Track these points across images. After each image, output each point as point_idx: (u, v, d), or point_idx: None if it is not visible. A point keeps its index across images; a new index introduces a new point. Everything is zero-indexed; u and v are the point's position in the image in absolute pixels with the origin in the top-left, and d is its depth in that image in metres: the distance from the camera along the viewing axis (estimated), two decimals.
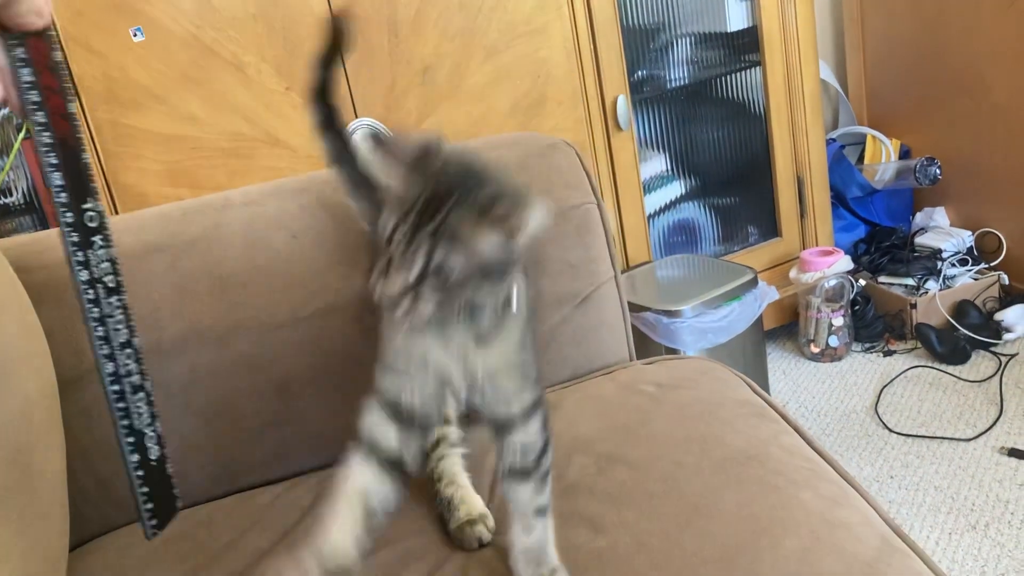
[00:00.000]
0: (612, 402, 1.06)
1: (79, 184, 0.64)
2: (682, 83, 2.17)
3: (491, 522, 0.86)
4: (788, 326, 2.35)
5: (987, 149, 2.27)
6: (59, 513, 0.84)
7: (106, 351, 0.67)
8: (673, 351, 1.80)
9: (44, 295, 0.97)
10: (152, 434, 0.71)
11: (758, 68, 2.18)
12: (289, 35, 1.70)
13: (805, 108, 2.20)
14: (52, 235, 1.11)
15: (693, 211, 2.26)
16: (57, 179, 0.63)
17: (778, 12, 2.11)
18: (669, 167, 2.20)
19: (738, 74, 2.22)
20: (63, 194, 0.63)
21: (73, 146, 0.63)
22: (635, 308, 1.83)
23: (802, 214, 2.30)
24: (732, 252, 2.28)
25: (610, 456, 0.94)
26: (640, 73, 2.09)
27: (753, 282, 1.92)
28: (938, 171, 2.32)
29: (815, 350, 2.24)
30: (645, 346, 1.80)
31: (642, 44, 2.08)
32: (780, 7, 2.10)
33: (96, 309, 0.66)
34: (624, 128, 1.97)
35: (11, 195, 1.76)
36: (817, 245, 2.30)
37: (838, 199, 2.49)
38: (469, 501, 0.88)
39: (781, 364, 2.27)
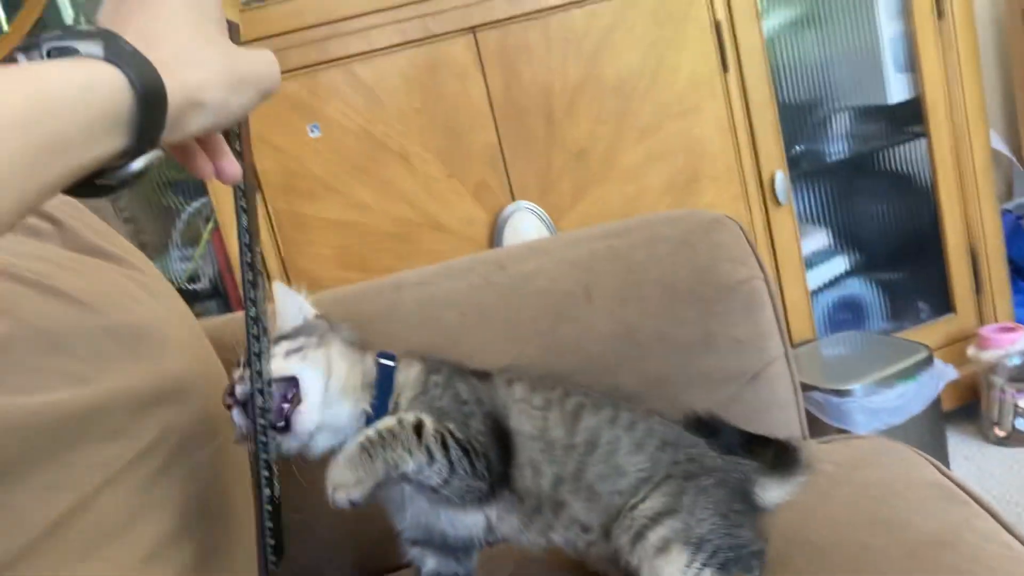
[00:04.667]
0: None
1: (253, 228, 0.70)
2: (842, 157, 2.12)
3: None
4: (968, 408, 2.20)
5: None
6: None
7: (259, 385, 0.71)
8: (843, 433, 1.72)
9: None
10: (269, 473, 0.74)
11: (923, 139, 2.11)
12: (450, 125, 1.79)
13: (976, 179, 2.10)
14: (240, 317, 1.19)
15: (858, 287, 2.18)
16: (244, 221, 0.69)
17: (943, 82, 2.04)
18: (831, 242, 2.14)
19: (901, 146, 2.15)
20: (246, 235, 0.69)
21: (252, 195, 0.70)
22: (802, 387, 1.76)
23: (977, 289, 2.18)
24: (902, 329, 2.17)
25: (788, 539, 0.90)
26: (798, 148, 2.07)
27: (928, 360, 1.82)
28: None
29: (1000, 434, 2.09)
30: (813, 428, 1.72)
31: (799, 119, 2.06)
32: (945, 76, 2.04)
33: (256, 344, 0.72)
34: (783, 203, 1.94)
35: (199, 281, 1.91)
36: (996, 321, 2.16)
37: (1017, 272, 2.34)
38: None
39: (963, 448, 2.12)
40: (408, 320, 1.12)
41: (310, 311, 0.85)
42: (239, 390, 0.74)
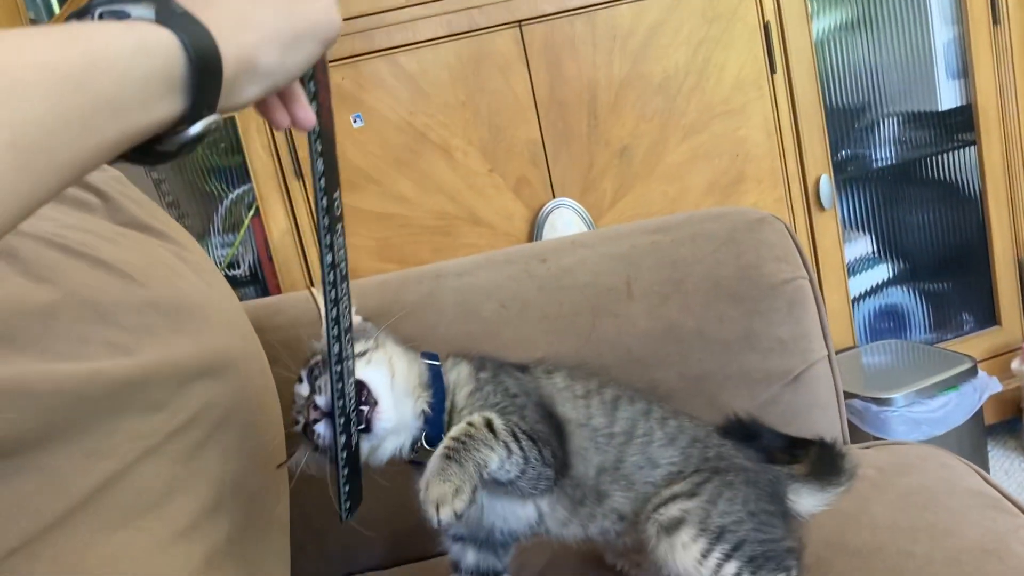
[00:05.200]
0: None
1: (332, 175, 0.67)
2: (889, 163, 2.09)
3: None
4: (1010, 422, 2.15)
5: None
6: (284, 559, 0.88)
7: (335, 332, 0.69)
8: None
9: (275, 354, 1.04)
10: (355, 419, 0.72)
11: (972, 147, 2.07)
12: (494, 119, 1.79)
13: None
14: (283, 300, 1.20)
15: (901, 296, 2.15)
16: (319, 166, 0.66)
17: (995, 89, 2.00)
18: (875, 249, 2.11)
19: (950, 154, 2.11)
20: (322, 179, 0.66)
21: (332, 140, 0.67)
22: None
23: None
24: (945, 340, 2.13)
25: (829, 543, 0.89)
26: (844, 152, 2.04)
27: (972, 371, 1.78)
28: None
29: None
30: (852, 437, 1.69)
31: (846, 123, 2.03)
32: (998, 84, 2.00)
33: (333, 291, 0.69)
34: (827, 208, 1.91)
35: (239, 268, 1.92)
36: None
37: None
38: None
39: (1003, 463, 2.07)
40: (447, 310, 1.11)
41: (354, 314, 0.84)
42: (321, 401, 0.73)
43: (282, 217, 1.79)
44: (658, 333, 1.11)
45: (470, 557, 0.85)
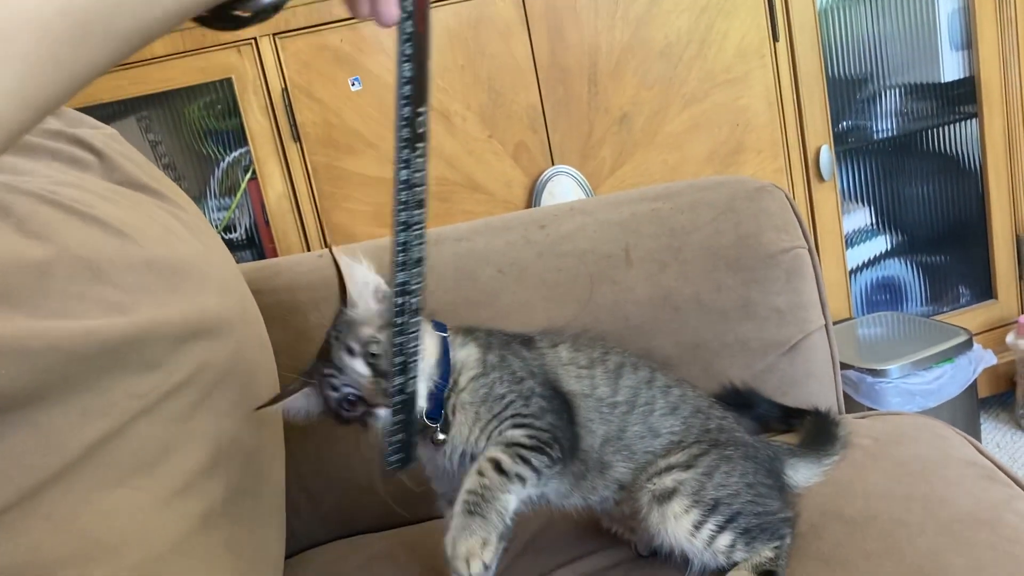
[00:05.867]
0: None
1: (421, 85, 0.61)
2: (889, 135, 2.07)
3: None
4: (1003, 396, 2.17)
5: None
6: (279, 521, 0.88)
7: (401, 259, 0.64)
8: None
9: (273, 316, 1.04)
10: (414, 363, 0.69)
11: (974, 120, 2.05)
12: (494, 85, 1.77)
13: None
14: (280, 263, 1.19)
15: (898, 268, 2.14)
16: (406, 70, 0.61)
17: (999, 61, 1.98)
18: (873, 221, 2.10)
19: (951, 126, 2.10)
20: (407, 86, 0.61)
21: (424, 47, 0.61)
22: None
23: (1021, 275, 2.13)
24: (940, 313, 2.13)
25: (823, 511, 0.89)
26: (845, 123, 2.02)
27: (967, 344, 1.78)
28: None
29: None
30: (846, 407, 1.70)
31: (848, 94, 2.01)
32: (1001, 56, 1.98)
33: (403, 211, 0.63)
34: (827, 179, 1.90)
35: (235, 231, 1.91)
36: None
37: None
38: None
39: (995, 436, 2.09)
40: (446, 274, 1.11)
41: (380, 284, 0.82)
42: (383, 414, 0.73)
43: (279, 180, 1.78)
44: (656, 301, 1.10)
45: None
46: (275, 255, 1.81)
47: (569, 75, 1.79)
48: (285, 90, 1.71)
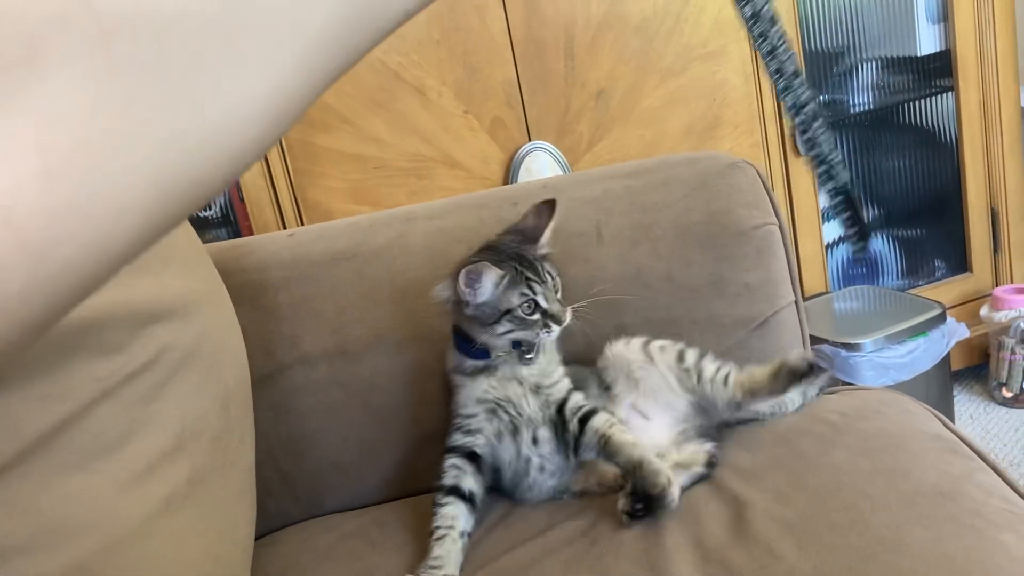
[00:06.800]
0: (792, 429, 1.01)
1: None
2: (866, 108, 2.08)
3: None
4: (977, 368, 2.19)
5: None
6: (248, 502, 0.88)
7: (782, 84, 0.64)
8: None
9: (242, 297, 1.03)
10: (837, 159, 0.67)
11: (950, 94, 2.06)
12: (469, 59, 1.76)
13: (1002, 137, 2.06)
14: (250, 242, 1.18)
15: (874, 242, 2.16)
16: None
17: (975, 35, 1.99)
18: None
19: (927, 100, 2.10)
20: None
21: None
22: (811, 340, 1.75)
23: (995, 249, 2.15)
24: (916, 286, 2.15)
25: (790, 483, 0.90)
26: (821, 97, 2.02)
27: (941, 318, 1.80)
28: None
29: (1007, 395, 2.08)
30: None
31: (824, 67, 2.01)
32: (977, 29, 1.98)
33: (764, 42, 0.62)
34: (803, 153, 1.90)
35: (210, 209, 1.90)
36: (1012, 282, 2.14)
37: None
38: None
39: (968, 408, 2.11)
40: (417, 252, 1.11)
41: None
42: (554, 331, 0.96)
43: None
44: (627, 277, 1.10)
45: (468, 481, 0.95)
46: (251, 232, 1.80)
47: (545, 49, 1.78)
48: None
